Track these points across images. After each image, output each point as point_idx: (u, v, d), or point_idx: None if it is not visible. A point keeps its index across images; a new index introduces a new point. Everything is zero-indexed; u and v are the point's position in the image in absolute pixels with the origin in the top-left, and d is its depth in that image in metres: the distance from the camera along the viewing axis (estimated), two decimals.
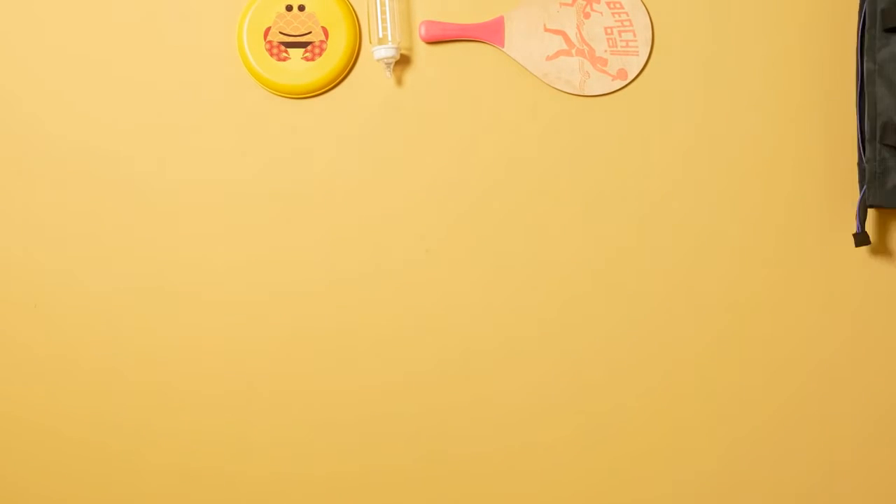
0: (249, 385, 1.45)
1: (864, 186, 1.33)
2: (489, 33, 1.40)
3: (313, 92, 1.43)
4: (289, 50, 1.42)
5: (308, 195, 1.44)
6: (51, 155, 1.46)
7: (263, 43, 1.42)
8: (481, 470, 1.45)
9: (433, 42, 1.42)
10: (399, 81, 1.43)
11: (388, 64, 1.41)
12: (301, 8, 1.42)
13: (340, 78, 1.44)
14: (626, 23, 1.39)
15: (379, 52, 1.39)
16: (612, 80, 1.40)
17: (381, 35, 1.40)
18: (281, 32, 1.42)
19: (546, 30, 1.39)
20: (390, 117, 1.43)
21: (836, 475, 1.44)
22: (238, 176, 1.45)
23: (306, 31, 1.42)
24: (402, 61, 1.43)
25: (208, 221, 1.45)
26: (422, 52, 1.43)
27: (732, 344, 1.43)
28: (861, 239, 1.34)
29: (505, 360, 1.44)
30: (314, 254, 1.44)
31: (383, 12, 1.40)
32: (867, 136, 1.33)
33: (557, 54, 1.39)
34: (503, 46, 1.40)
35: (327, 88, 1.44)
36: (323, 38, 1.42)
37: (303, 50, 1.42)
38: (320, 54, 1.42)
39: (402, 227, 1.44)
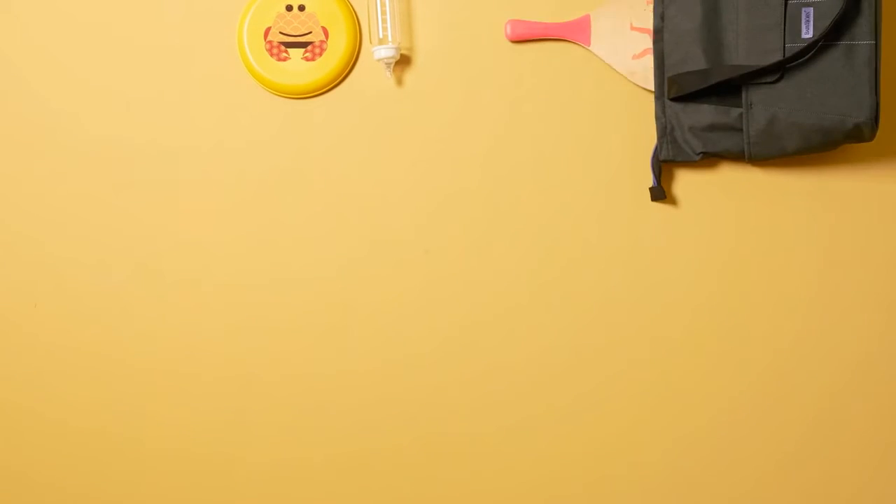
0: (249, 372, 1.45)
1: (657, 142, 1.37)
2: (575, 32, 1.40)
3: (314, 92, 1.43)
4: (289, 50, 1.42)
5: (308, 194, 1.44)
6: (51, 155, 1.46)
7: (263, 43, 1.42)
8: (478, 453, 1.45)
9: (519, 41, 1.42)
10: (399, 81, 1.43)
11: (388, 64, 1.41)
12: (301, 8, 1.42)
13: (341, 78, 1.44)
14: None
15: (379, 52, 1.39)
16: None
17: (381, 35, 1.40)
18: (281, 32, 1.42)
19: (633, 28, 1.39)
20: (391, 117, 1.44)
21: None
22: (239, 175, 1.45)
23: (306, 32, 1.42)
24: (402, 61, 1.43)
25: (208, 221, 1.45)
26: (422, 52, 1.43)
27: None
28: (656, 193, 1.38)
29: (501, 343, 1.45)
30: (314, 253, 1.44)
31: (383, 12, 1.40)
32: (657, 93, 1.36)
33: (644, 53, 1.39)
34: (590, 45, 1.40)
35: (328, 88, 1.44)
36: (323, 38, 1.42)
37: (303, 50, 1.42)
38: (320, 54, 1.42)
39: (402, 227, 1.44)
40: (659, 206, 1.43)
